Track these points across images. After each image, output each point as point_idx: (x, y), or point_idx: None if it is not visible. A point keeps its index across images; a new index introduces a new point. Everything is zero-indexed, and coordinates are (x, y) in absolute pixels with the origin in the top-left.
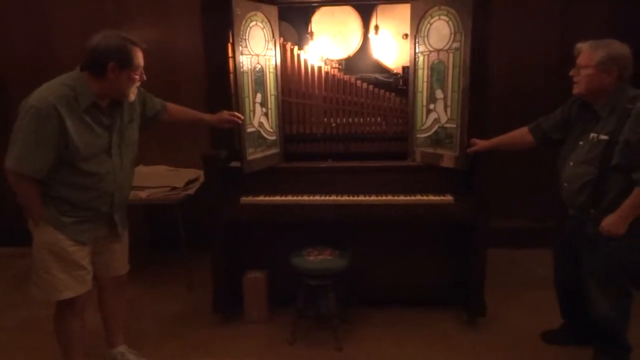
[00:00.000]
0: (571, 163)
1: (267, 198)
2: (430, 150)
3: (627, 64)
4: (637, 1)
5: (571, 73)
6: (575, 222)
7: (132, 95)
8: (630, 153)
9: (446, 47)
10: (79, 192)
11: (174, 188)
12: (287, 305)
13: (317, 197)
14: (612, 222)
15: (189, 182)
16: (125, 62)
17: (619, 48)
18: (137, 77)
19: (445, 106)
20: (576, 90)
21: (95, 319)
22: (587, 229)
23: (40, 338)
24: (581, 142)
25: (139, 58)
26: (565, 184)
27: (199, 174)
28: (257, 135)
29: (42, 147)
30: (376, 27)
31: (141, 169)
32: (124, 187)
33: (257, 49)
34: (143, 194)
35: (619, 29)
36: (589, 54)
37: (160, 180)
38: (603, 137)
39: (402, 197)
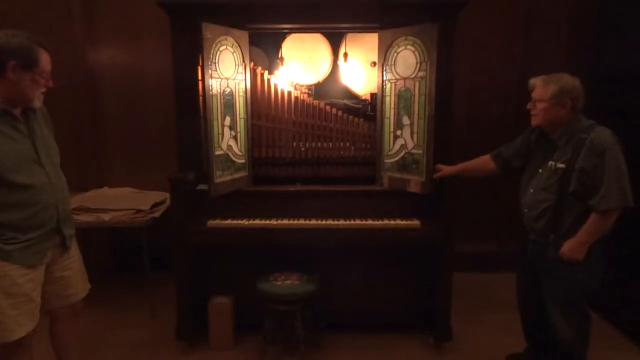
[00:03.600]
0: (531, 190)
1: (234, 222)
2: (398, 175)
3: (578, 96)
4: (593, 35)
5: (528, 106)
6: (536, 247)
7: (38, 101)
8: (586, 181)
9: (412, 76)
10: (19, 211)
11: (139, 211)
12: (253, 330)
13: (285, 221)
14: (571, 247)
15: (155, 205)
16: (28, 62)
17: (570, 81)
18: (42, 80)
19: (412, 132)
20: (534, 122)
21: (47, 350)
22: (548, 254)
23: None
24: (540, 170)
25: (45, 61)
26: (526, 210)
27: (166, 196)
28: (225, 158)
29: None
30: (345, 55)
31: (106, 191)
32: (65, 197)
33: (227, 73)
34: (106, 217)
35: (576, 61)
36: (542, 88)
37: (126, 202)
38: (560, 165)
39: (369, 221)
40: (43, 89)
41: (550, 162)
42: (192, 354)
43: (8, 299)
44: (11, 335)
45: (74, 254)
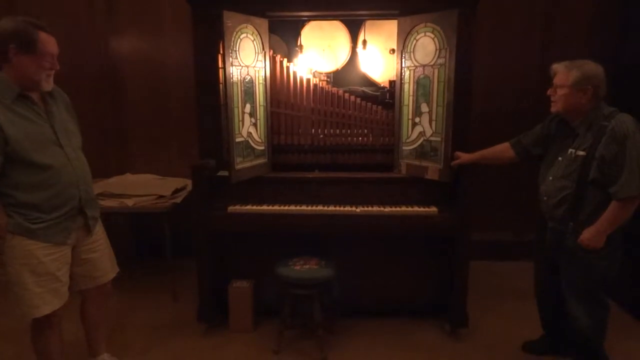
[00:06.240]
0: (550, 177)
1: (254, 207)
2: (416, 162)
3: (601, 83)
4: (615, 24)
5: (549, 92)
6: (555, 235)
7: (46, 84)
8: (606, 168)
9: (431, 63)
10: (41, 191)
11: (161, 196)
12: (272, 314)
13: (304, 207)
14: (590, 236)
15: (176, 191)
16: (26, 45)
17: (593, 68)
18: (46, 64)
19: (430, 120)
20: (554, 108)
21: (77, 328)
22: (566, 242)
23: (16, 348)
24: (560, 158)
25: (46, 43)
26: (545, 198)
27: (187, 182)
28: (246, 145)
29: None
30: (364, 42)
31: (128, 177)
32: (86, 178)
33: (247, 61)
34: (130, 202)
35: (597, 50)
36: (564, 74)
37: (148, 188)
38: (580, 153)
39: (387, 208)
40: (49, 71)
41: (570, 150)
42: (212, 336)
43: (33, 276)
44: (36, 311)
45: (100, 237)
